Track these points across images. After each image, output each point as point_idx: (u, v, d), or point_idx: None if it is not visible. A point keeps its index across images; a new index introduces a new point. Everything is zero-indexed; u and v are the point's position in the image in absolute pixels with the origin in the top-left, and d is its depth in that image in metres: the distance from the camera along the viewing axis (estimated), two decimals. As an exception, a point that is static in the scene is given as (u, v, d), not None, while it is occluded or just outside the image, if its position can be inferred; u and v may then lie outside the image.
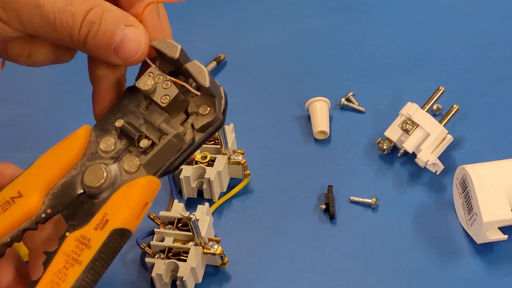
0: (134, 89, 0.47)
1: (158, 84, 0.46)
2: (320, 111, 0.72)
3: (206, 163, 0.66)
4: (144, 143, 0.46)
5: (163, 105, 0.46)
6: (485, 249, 0.63)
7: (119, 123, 0.46)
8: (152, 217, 0.64)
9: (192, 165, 0.66)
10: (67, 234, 0.44)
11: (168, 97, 0.46)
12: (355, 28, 0.82)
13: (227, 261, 0.63)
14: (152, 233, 0.63)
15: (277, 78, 0.78)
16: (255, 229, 0.66)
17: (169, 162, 0.46)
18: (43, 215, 0.45)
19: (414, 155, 0.68)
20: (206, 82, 0.45)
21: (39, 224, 0.45)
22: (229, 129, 0.68)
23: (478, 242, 0.63)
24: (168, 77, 0.46)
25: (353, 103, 0.74)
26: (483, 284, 0.62)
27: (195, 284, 0.62)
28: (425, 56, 0.79)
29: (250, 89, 0.77)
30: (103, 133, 0.47)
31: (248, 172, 0.68)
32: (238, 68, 0.79)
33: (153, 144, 0.46)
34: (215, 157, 0.67)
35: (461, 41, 0.80)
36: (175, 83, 0.46)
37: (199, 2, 0.86)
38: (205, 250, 0.61)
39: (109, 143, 0.47)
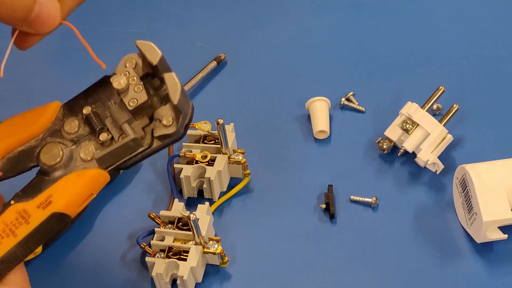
0: (105, 82, 0.49)
1: (130, 86, 0.48)
2: (320, 111, 0.72)
3: (206, 163, 0.66)
4: (103, 136, 0.48)
5: (130, 108, 0.47)
6: (485, 249, 0.63)
7: (86, 110, 0.48)
8: (153, 217, 0.64)
9: (193, 164, 0.66)
10: (12, 202, 0.46)
11: (136, 101, 0.47)
12: (355, 28, 0.82)
13: (227, 261, 0.63)
14: (152, 232, 0.63)
15: (277, 77, 0.78)
16: (255, 229, 0.66)
17: (122, 161, 0.48)
18: None
19: (414, 154, 0.68)
20: (176, 99, 0.46)
21: None
22: (229, 128, 0.68)
23: (478, 241, 0.63)
24: (141, 82, 0.48)
25: (353, 103, 0.75)
26: (483, 284, 0.62)
27: (195, 284, 0.62)
28: (425, 56, 0.79)
29: (250, 89, 0.77)
30: (70, 114, 0.49)
31: (248, 171, 0.68)
32: (238, 68, 0.79)
33: (112, 139, 0.48)
34: (215, 157, 0.67)
35: (461, 41, 0.80)
36: (146, 89, 0.47)
37: (199, 2, 0.86)
38: (205, 250, 0.61)
39: (73, 125, 0.48)
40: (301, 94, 0.75)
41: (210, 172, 0.65)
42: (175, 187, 0.67)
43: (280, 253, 0.64)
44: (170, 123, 0.47)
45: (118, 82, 0.47)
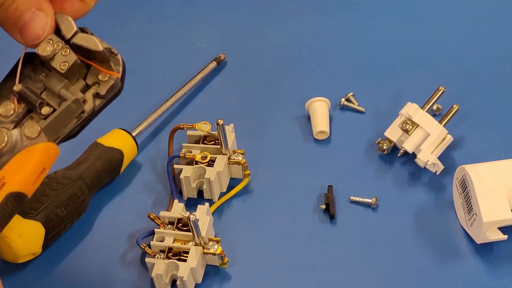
0: (31, 56, 0.49)
1: (57, 51, 0.47)
2: (320, 111, 0.72)
3: (206, 163, 0.66)
4: (45, 110, 0.47)
5: (62, 71, 0.47)
6: (485, 249, 0.63)
7: (17, 87, 0.47)
8: (152, 217, 0.64)
9: (192, 165, 0.66)
10: None
11: (67, 64, 0.47)
12: (355, 28, 0.82)
13: (227, 261, 0.63)
14: (152, 233, 0.63)
15: (277, 78, 0.78)
16: (255, 229, 0.66)
17: (69, 129, 0.48)
18: None
19: (414, 155, 0.68)
20: (99, 46, 0.46)
21: None
22: (229, 129, 0.68)
23: (478, 242, 0.63)
24: (66, 45, 0.47)
25: (353, 103, 0.74)
26: (483, 284, 0.62)
27: (195, 284, 0.62)
28: (425, 56, 0.79)
29: (250, 89, 0.77)
30: (1, 99, 0.48)
31: (248, 172, 0.68)
32: (238, 68, 0.79)
33: (54, 111, 0.47)
34: (215, 157, 0.67)
35: (461, 41, 0.80)
36: (73, 49, 0.47)
37: (199, 2, 0.86)
38: (205, 250, 0.61)
39: (8, 108, 0.48)
40: (301, 95, 0.75)
41: (210, 172, 0.65)
42: (175, 187, 0.67)
43: (280, 254, 0.64)
44: (106, 77, 0.47)
45: (43, 49, 0.47)
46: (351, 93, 0.75)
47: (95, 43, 0.47)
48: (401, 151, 0.69)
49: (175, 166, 0.67)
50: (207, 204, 0.64)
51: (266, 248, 0.65)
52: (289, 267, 0.64)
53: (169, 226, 0.63)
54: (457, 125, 0.71)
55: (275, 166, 0.70)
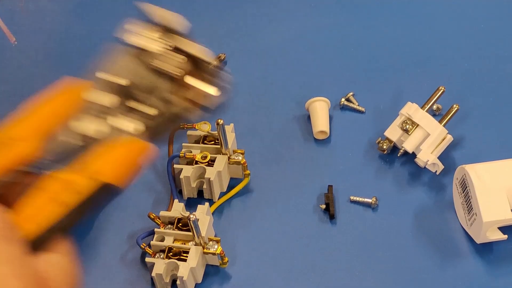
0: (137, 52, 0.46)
1: (167, 53, 0.46)
2: (320, 111, 0.72)
3: (206, 163, 0.66)
4: (152, 111, 0.45)
5: (176, 76, 0.46)
6: (485, 249, 0.63)
7: (125, 81, 0.45)
8: (152, 217, 0.64)
9: (192, 165, 0.66)
10: (49, 172, 0.44)
11: (182, 71, 0.46)
12: (355, 28, 0.82)
13: (227, 261, 0.63)
14: (152, 233, 0.63)
15: (277, 78, 0.78)
16: (255, 229, 0.66)
17: (166, 134, 0.47)
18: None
19: (414, 155, 0.68)
20: (207, 57, 0.45)
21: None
22: (229, 129, 0.68)
23: (478, 242, 0.63)
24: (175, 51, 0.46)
25: (353, 103, 0.75)
26: (483, 284, 0.62)
27: (195, 284, 0.62)
28: (425, 56, 0.79)
29: (250, 89, 0.77)
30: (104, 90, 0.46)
31: (248, 172, 0.68)
32: (238, 68, 0.79)
33: (158, 111, 0.46)
34: (215, 157, 0.67)
35: (461, 41, 0.80)
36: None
37: (199, 2, 0.86)
38: (205, 250, 0.61)
39: (114, 100, 0.46)
40: (301, 94, 0.75)
41: (210, 172, 0.65)
42: (175, 187, 0.67)
43: (280, 254, 0.64)
44: (209, 87, 0.46)
45: (152, 45, 0.46)
46: (351, 93, 0.75)
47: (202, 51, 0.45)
48: (401, 151, 0.69)
49: (175, 166, 0.67)
50: (207, 204, 0.64)
51: (266, 248, 0.65)
52: (289, 267, 0.64)
53: (169, 226, 0.63)
54: (457, 125, 0.71)
55: (275, 166, 0.70)
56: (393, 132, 0.69)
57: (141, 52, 0.46)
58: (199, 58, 0.46)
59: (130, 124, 0.45)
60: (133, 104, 0.46)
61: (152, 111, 0.45)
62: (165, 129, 0.46)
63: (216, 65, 0.46)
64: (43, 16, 0.85)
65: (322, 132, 0.72)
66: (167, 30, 0.47)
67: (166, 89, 0.46)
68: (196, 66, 0.47)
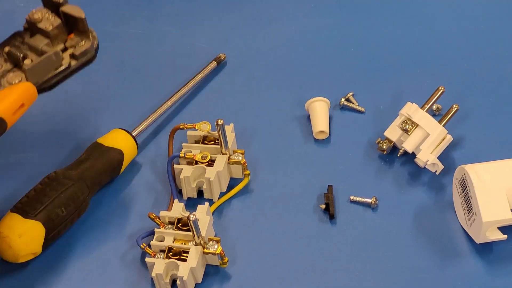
0: (21, 33, 0.59)
1: (44, 16, 0.58)
2: (320, 111, 0.72)
3: (206, 163, 0.66)
4: (28, 61, 0.57)
5: (48, 30, 0.57)
6: (485, 249, 0.63)
7: (6, 49, 0.58)
8: (152, 217, 0.64)
9: (192, 165, 0.66)
10: None
11: (52, 25, 0.58)
12: (355, 28, 0.82)
13: (227, 261, 0.63)
14: (152, 233, 0.63)
15: (277, 78, 0.78)
16: (255, 229, 0.66)
17: (47, 77, 0.57)
18: None
19: (413, 155, 0.68)
20: (82, 14, 0.58)
21: None
22: (229, 129, 0.68)
23: (478, 242, 0.63)
24: (53, 13, 0.58)
25: (353, 103, 0.75)
26: (483, 284, 0.62)
27: (195, 284, 0.62)
28: (425, 56, 0.79)
29: (250, 89, 0.77)
30: None
31: (248, 172, 0.68)
32: (238, 68, 0.79)
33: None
34: (215, 157, 0.67)
35: (461, 41, 0.80)
36: (58, 16, 0.59)
37: (199, 2, 0.86)
38: (205, 250, 0.61)
39: None
40: (301, 95, 0.75)
41: (210, 172, 0.65)
42: (175, 187, 0.67)
43: (280, 254, 0.64)
44: (83, 43, 0.59)
45: (33, 13, 0.58)
46: (351, 93, 0.75)
47: (79, 11, 0.58)
48: (401, 151, 0.69)
49: (175, 166, 0.67)
50: (207, 204, 0.64)
51: (266, 248, 0.65)
52: (289, 267, 0.64)
53: (169, 226, 0.63)
54: (457, 125, 0.71)
55: (275, 166, 0.70)
56: (393, 132, 0.69)
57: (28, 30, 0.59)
58: (70, 14, 0.58)
59: (11, 77, 0.56)
60: (11, 64, 0.57)
61: (27, 62, 0.57)
62: (43, 73, 0.57)
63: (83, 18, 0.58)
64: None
65: (322, 132, 0.72)
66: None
67: (39, 43, 0.57)
68: (68, 22, 0.59)
